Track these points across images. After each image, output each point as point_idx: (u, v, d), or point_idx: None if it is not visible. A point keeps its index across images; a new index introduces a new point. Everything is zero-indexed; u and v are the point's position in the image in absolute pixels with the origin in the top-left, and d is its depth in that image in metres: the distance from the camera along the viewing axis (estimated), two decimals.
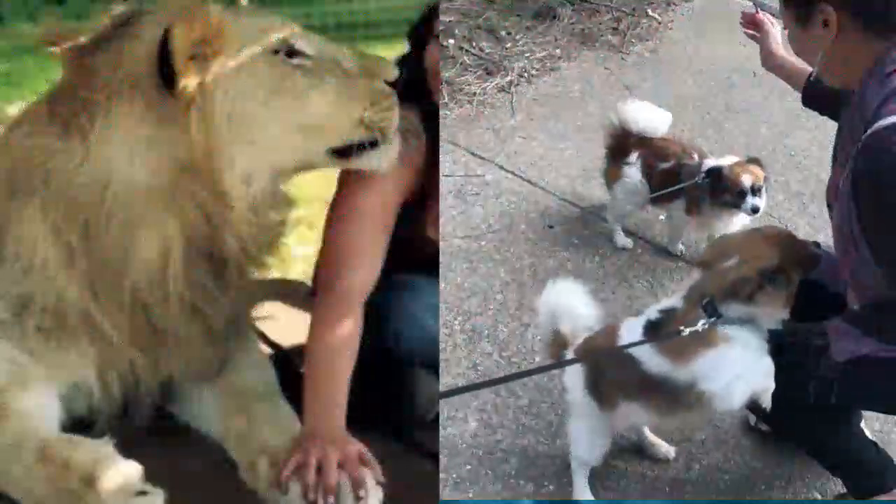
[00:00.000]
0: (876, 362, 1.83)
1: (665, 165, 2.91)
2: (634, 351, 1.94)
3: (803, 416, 1.99)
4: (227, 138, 1.81)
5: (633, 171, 2.96)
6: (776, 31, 2.40)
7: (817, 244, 2.04)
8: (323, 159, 1.95)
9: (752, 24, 2.49)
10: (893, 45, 1.67)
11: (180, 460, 1.97)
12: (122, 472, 1.71)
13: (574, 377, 2.09)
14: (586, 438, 2.13)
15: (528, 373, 2.40)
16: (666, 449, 2.33)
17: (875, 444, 2.11)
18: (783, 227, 2.08)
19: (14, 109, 2.03)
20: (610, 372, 2.03)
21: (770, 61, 2.40)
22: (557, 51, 4.21)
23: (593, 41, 4.32)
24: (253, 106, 1.83)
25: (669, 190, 2.89)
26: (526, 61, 4.08)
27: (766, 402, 1.90)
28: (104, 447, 1.76)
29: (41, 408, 1.90)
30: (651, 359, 1.94)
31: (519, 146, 3.56)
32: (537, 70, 4.08)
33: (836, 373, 1.87)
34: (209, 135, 1.80)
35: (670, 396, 1.95)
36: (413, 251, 2.17)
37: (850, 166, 1.68)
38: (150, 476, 1.72)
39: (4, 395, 1.86)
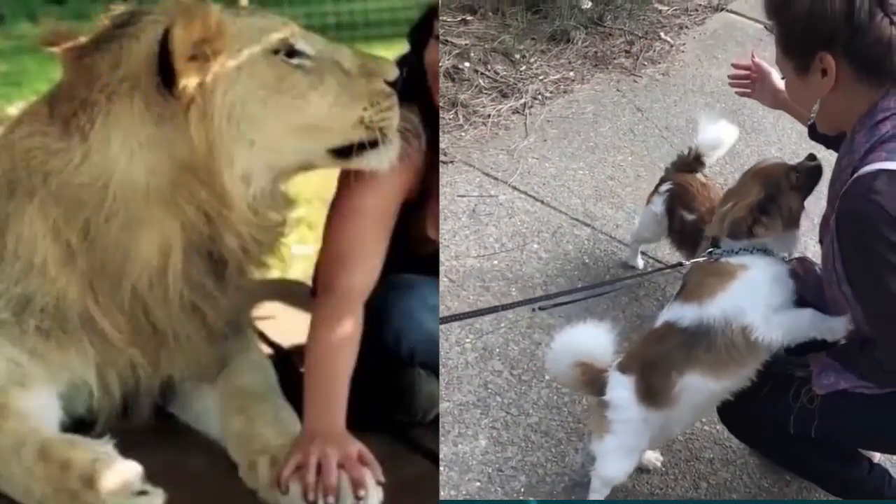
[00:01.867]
0: (855, 397, 1.86)
1: (688, 217, 2.75)
2: (669, 316, 2.00)
3: (793, 444, 2.01)
4: (226, 138, 1.81)
5: (657, 202, 2.87)
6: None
7: (812, 156, 2.05)
8: (323, 159, 1.95)
9: (742, 78, 2.47)
10: (885, 95, 1.70)
11: (180, 460, 1.97)
12: (122, 472, 1.71)
13: (623, 391, 2.03)
14: (621, 456, 2.10)
15: (534, 300, 2.46)
16: (656, 457, 2.34)
17: (869, 460, 2.11)
18: (777, 159, 2.11)
19: (14, 109, 2.03)
20: (656, 350, 2.00)
21: (777, 97, 2.38)
22: (571, 73, 4.24)
23: (606, 64, 4.34)
24: (253, 106, 1.83)
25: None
26: (540, 84, 4.12)
27: None
28: (104, 447, 1.77)
29: (41, 408, 1.90)
30: (681, 313, 1.97)
31: (532, 167, 3.59)
32: (551, 92, 4.10)
33: (816, 405, 1.90)
34: (209, 135, 1.80)
35: (717, 347, 1.93)
36: (413, 251, 2.17)
37: (836, 208, 1.72)
38: (150, 476, 1.72)
39: (4, 395, 1.86)
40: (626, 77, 4.27)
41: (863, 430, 1.92)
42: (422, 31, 2.09)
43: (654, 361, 2.00)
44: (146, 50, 1.80)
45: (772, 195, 1.97)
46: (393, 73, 1.94)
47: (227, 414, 1.99)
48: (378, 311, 2.05)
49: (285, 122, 1.86)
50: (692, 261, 2.05)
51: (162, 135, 1.80)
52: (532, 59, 4.24)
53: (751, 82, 2.45)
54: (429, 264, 2.22)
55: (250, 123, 1.83)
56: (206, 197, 1.83)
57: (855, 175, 1.67)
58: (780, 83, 2.32)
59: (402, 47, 2.17)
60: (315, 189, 2.79)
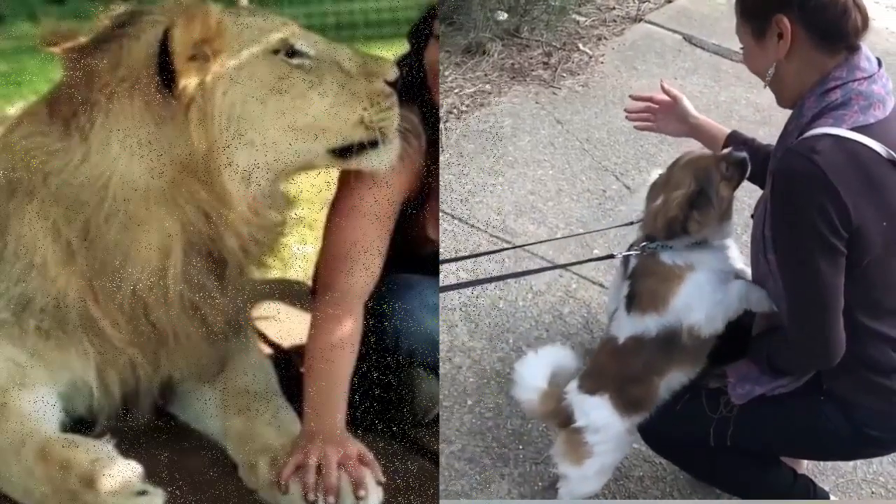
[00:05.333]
0: (772, 401, 1.86)
1: None
2: (632, 330, 1.96)
3: (714, 458, 1.99)
4: (226, 138, 1.81)
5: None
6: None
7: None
8: (323, 159, 1.95)
9: (642, 110, 2.37)
10: (838, 65, 1.71)
11: (180, 460, 1.97)
12: (122, 472, 1.71)
13: (601, 411, 1.98)
14: (603, 473, 2.06)
15: (538, 270, 2.46)
16: None
17: (794, 470, 2.08)
18: (702, 151, 2.02)
19: (14, 109, 2.03)
20: (632, 364, 1.97)
21: (687, 123, 2.30)
22: (487, 86, 4.10)
23: (524, 76, 4.19)
24: (253, 106, 1.83)
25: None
26: (455, 97, 3.98)
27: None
28: (104, 447, 1.77)
29: (41, 408, 1.90)
30: (645, 325, 1.94)
31: (449, 183, 3.41)
32: (467, 106, 3.96)
33: (734, 415, 1.89)
34: (209, 135, 1.80)
35: (685, 345, 1.93)
36: (413, 251, 2.17)
37: (773, 166, 1.74)
38: (150, 476, 1.73)
39: (4, 395, 1.86)
40: (545, 89, 4.12)
41: (781, 435, 1.91)
42: (422, 31, 2.09)
43: (633, 375, 1.97)
44: (146, 50, 1.80)
45: (703, 187, 1.92)
46: (393, 73, 1.94)
47: (227, 414, 1.99)
48: (378, 311, 2.05)
49: (285, 122, 1.86)
50: (624, 253, 1.99)
51: (162, 135, 1.80)
52: (447, 73, 4.10)
53: (651, 114, 2.37)
54: (429, 264, 2.22)
55: (250, 123, 1.83)
56: (206, 197, 1.83)
57: (800, 137, 1.69)
58: (692, 108, 2.29)
59: (402, 47, 2.17)
60: (315, 189, 2.78)
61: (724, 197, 1.94)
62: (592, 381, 2.02)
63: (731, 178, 1.96)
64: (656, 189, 2.02)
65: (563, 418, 2.03)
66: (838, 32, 1.70)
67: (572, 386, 2.04)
